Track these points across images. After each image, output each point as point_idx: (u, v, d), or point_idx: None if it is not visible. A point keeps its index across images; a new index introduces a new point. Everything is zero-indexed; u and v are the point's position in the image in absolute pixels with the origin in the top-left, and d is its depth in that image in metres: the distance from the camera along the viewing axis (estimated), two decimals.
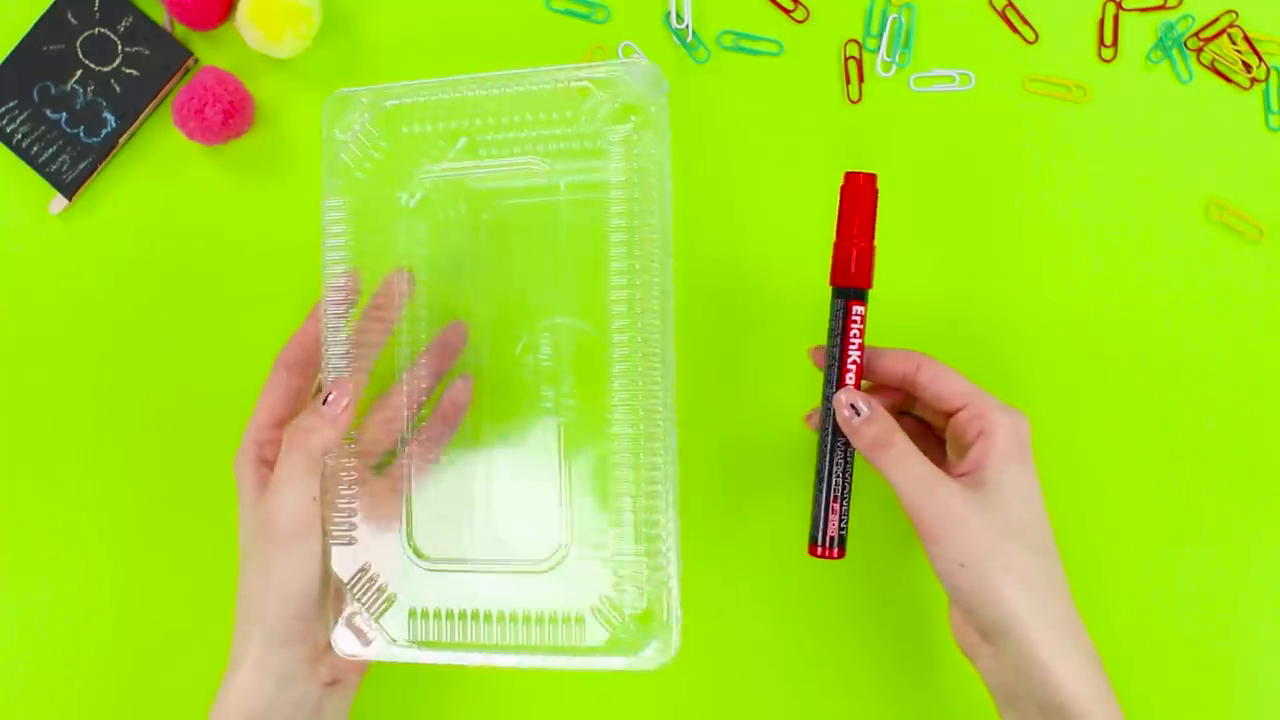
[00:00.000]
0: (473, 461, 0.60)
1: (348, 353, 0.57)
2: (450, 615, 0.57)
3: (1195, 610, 0.64)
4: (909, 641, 0.64)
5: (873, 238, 0.57)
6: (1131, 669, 0.63)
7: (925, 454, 0.61)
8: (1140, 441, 0.65)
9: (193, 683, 0.62)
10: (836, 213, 0.57)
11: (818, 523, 0.57)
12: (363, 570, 0.57)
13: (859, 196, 0.57)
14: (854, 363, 0.57)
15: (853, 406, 0.56)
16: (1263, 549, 0.64)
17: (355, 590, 0.57)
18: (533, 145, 0.57)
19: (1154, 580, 0.65)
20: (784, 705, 0.65)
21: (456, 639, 0.57)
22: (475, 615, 0.57)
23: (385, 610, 0.57)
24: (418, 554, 0.59)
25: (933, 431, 0.61)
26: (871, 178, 0.57)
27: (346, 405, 0.56)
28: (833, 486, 0.57)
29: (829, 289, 0.57)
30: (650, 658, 0.53)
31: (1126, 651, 0.64)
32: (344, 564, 0.57)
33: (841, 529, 0.57)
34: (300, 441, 0.55)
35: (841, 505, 0.57)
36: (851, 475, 0.57)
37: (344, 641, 0.57)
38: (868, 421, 0.55)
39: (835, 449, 0.57)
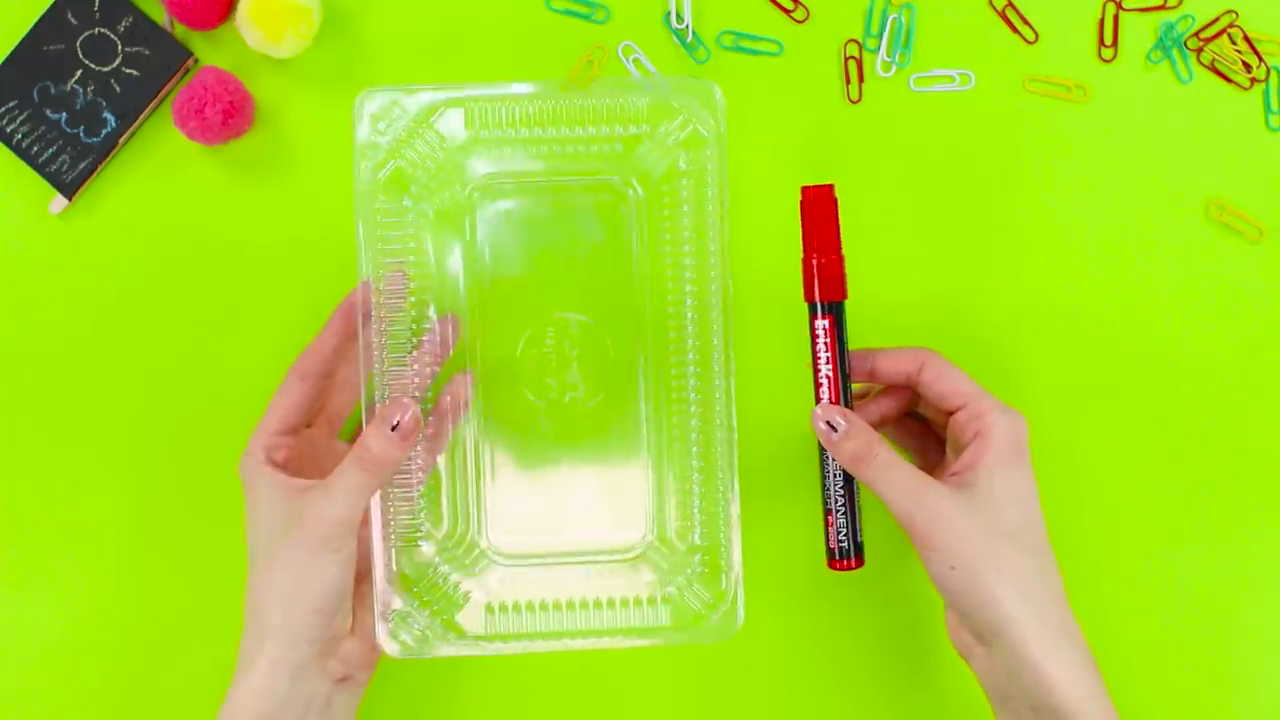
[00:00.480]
0: (544, 456, 0.62)
1: (408, 369, 0.58)
2: (517, 608, 0.59)
3: (1195, 610, 0.64)
4: (914, 642, 0.65)
5: (837, 248, 0.56)
6: (1131, 669, 0.64)
7: (925, 454, 0.61)
8: (1140, 441, 0.65)
9: (197, 686, 0.62)
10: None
11: (828, 535, 0.57)
12: (410, 567, 0.59)
13: (815, 209, 0.56)
14: (826, 377, 0.56)
15: (829, 423, 0.56)
16: (1263, 549, 0.65)
17: (410, 589, 0.59)
18: (579, 152, 0.60)
19: (1154, 580, 0.65)
20: (788, 706, 0.65)
21: (511, 630, 0.59)
22: (543, 606, 0.59)
23: (438, 607, 0.59)
24: (468, 547, 0.61)
25: (933, 431, 0.61)
26: (827, 188, 0.56)
27: (414, 426, 0.56)
28: (835, 498, 0.57)
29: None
30: (720, 630, 0.58)
31: (1126, 651, 0.64)
32: (393, 562, 0.58)
33: (850, 538, 0.57)
34: (371, 462, 0.55)
35: (846, 516, 0.57)
36: (854, 484, 0.57)
37: (388, 640, 0.58)
38: (846, 436, 0.55)
39: (832, 460, 0.57)
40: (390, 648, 0.58)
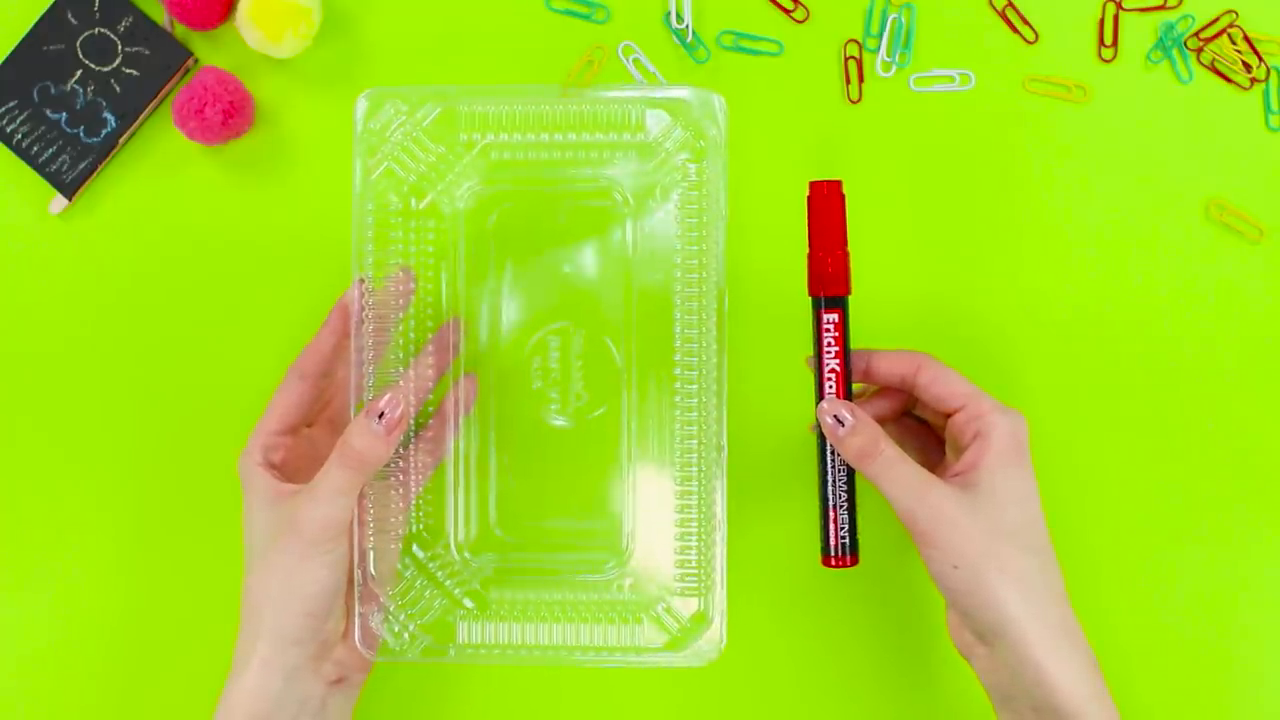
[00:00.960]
0: (539, 466, 0.62)
1: (402, 368, 0.58)
2: (502, 617, 0.59)
3: (1195, 610, 0.64)
4: (912, 642, 0.65)
5: (844, 244, 0.56)
6: (1131, 669, 0.63)
7: (926, 454, 0.61)
8: (1140, 441, 0.65)
9: (196, 685, 0.62)
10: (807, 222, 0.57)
11: (826, 533, 0.57)
12: (397, 571, 0.59)
13: (823, 204, 0.56)
14: (833, 371, 0.56)
15: (835, 417, 0.56)
16: (1263, 549, 0.65)
17: (391, 592, 0.58)
18: (580, 158, 0.59)
19: (1154, 580, 0.65)
20: (786, 708, 0.65)
21: (489, 641, 0.59)
22: (527, 617, 0.59)
23: (422, 612, 0.59)
24: (459, 555, 0.61)
25: (934, 432, 0.61)
26: (835, 184, 0.56)
27: (400, 421, 0.55)
28: (836, 495, 0.57)
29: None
30: (700, 654, 0.58)
31: (1126, 651, 0.64)
32: (383, 565, 0.58)
33: (850, 535, 0.57)
34: (353, 458, 0.54)
35: (847, 513, 0.57)
36: (855, 481, 0.57)
37: (367, 643, 0.57)
38: (852, 431, 0.55)
39: (834, 456, 0.57)
40: (369, 650, 0.58)
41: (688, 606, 0.58)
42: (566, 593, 0.59)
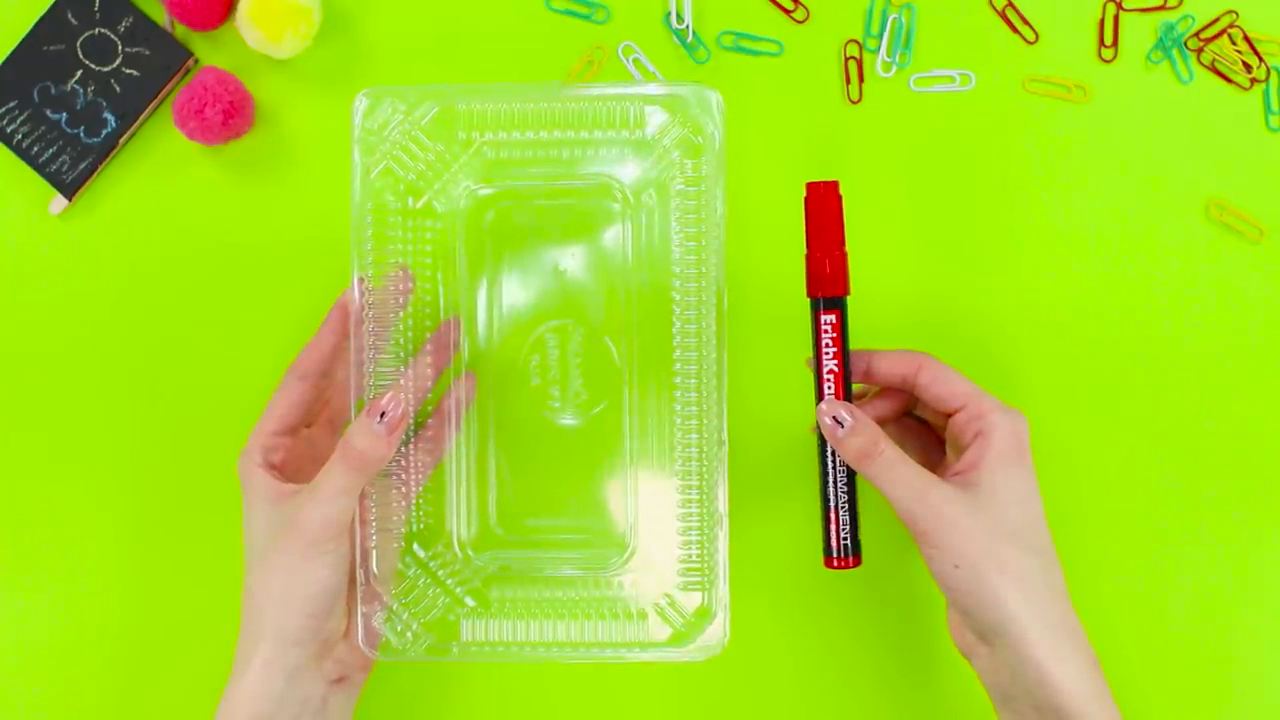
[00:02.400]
0: (540, 464, 0.62)
1: (402, 368, 0.58)
2: (504, 615, 0.59)
3: (1195, 610, 0.64)
4: (913, 642, 0.65)
5: (841, 245, 0.56)
6: (1131, 669, 0.63)
7: (926, 454, 0.61)
8: (1140, 441, 0.65)
9: (197, 685, 0.62)
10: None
11: (827, 534, 0.57)
12: (398, 570, 0.59)
13: (821, 205, 0.56)
14: (831, 372, 0.56)
15: (834, 418, 0.56)
16: (1263, 549, 0.65)
17: (394, 591, 0.58)
18: (577, 156, 0.59)
19: (1154, 580, 0.65)
20: (787, 708, 0.65)
21: (491, 638, 0.59)
22: (530, 614, 0.59)
23: (425, 611, 0.59)
24: (461, 553, 0.61)
25: (934, 432, 0.61)
26: (832, 185, 0.56)
27: (401, 420, 0.55)
28: (837, 496, 0.57)
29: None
30: (704, 648, 0.57)
31: (1126, 651, 0.64)
32: (385, 565, 0.58)
33: (851, 536, 0.57)
34: (355, 458, 0.54)
35: (848, 513, 0.57)
36: (855, 481, 0.57)
37: (370, 642, 0.57)
38: (852, 432, 0.55)
39: (834, 457, 0.57)
40: (372, 649, 0.58)
41: (691, 601, 0.58)
42: (569, 590, 0.59)
